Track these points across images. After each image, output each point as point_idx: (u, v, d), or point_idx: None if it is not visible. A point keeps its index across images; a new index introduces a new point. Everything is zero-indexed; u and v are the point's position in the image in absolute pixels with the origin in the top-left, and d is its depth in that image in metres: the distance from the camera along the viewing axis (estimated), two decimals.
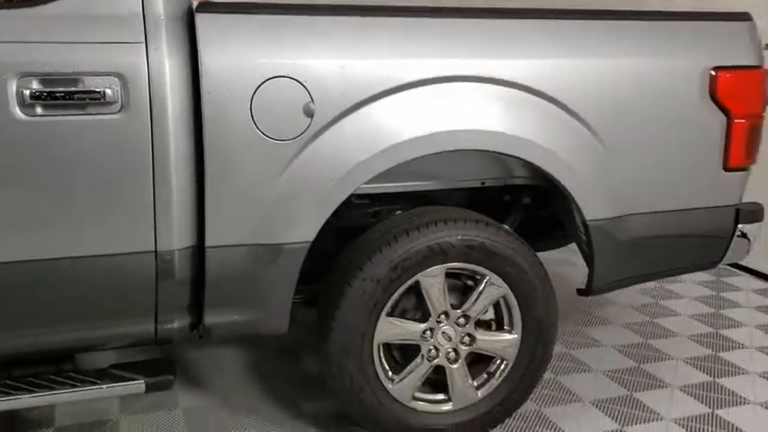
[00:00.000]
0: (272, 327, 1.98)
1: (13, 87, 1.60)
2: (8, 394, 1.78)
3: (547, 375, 2.67)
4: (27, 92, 1.61)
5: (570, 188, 2.13)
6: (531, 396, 2.41)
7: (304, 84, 1.81)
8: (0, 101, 1.59)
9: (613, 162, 2.15)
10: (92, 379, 1.87)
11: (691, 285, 3.68)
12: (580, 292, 2.36)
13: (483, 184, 2.33)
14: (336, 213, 2.03)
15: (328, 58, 1.83)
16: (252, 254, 1.87)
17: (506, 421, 2.34)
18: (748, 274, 3.87)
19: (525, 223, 2.59)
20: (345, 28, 1.87)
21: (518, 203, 2.49)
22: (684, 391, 2.59)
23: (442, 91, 1.94)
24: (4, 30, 1.61)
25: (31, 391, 1.80)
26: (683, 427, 2.36)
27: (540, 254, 2.32)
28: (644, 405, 2.49)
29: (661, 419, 2.40)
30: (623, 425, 2.37)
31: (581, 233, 2.25)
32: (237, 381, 2.58)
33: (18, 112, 1.61)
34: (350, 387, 2.09)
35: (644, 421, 2.39)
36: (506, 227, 2.33)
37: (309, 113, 1.82)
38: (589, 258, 2.26)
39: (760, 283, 3.76)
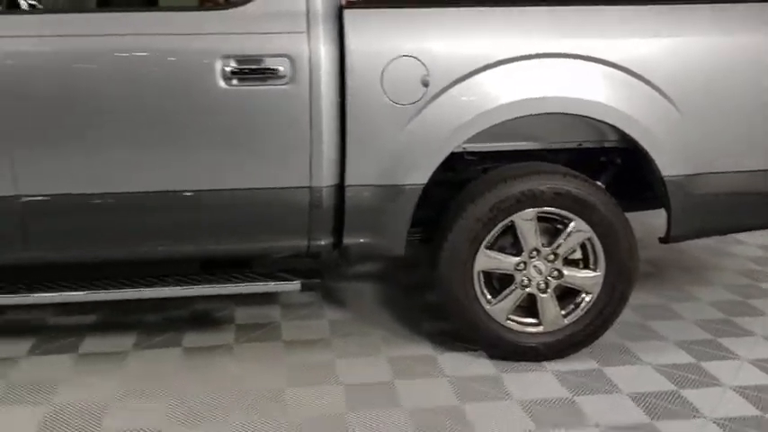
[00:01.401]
0: (392, 249, 2.57)
1: (218, 65, 2.30)
2: (202, 284, 2.54)
3: (635, 319, 3.04)
4: (228, 69, 2.30)
5: (649, 149, 2.53)
6: (614, 329, 2.80)
7: (422, 61, 2.37)
8: (210, 75, 2.30)
9: (688, 127, 2.51)
10: (262, 278, 2.57)
11: None
12: (661, 240, 2.73)
13: (580, 145, 2.76)
14: (452, 168, 2.61)
15: (441, 41, 2.38)
16: (378, 192, 2.47)
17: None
18: None
19: (622, 185, 2.98)
20: (455, 17, 2.40)
21: (611, 164, 2.89)
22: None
23: (533, 66, 2.42)
24: (214, 24, 2.33)
25: (219, 283, 2.54)
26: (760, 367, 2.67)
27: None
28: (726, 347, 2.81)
29: (737, 359, 2.72)
30: (699, 360, 2.71)
31: (661, 188, 2.62)
32: (374, 305, 3.21)
33: (221, 83, 2.31)
34: (456, 306, 2.63)
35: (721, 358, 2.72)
36: (597, 183, 2.75)
37: (425, 84, 2.38)
38: (667, 211, 2.63)
39: None
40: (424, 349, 2.79)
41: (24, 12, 2.56)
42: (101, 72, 2.29)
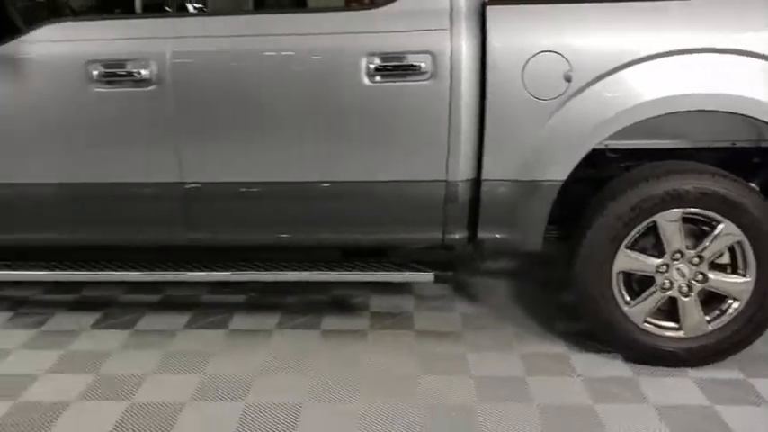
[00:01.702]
0: (528, 245, 2.57)
1: (363, 62, 2.40)
2: (340, 270, 2.68)
3: None
4: (372, 66, 2.40)
5: None
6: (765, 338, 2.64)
7: (565, 56, 2.35)
8: (355, 72, 2.41)
9: None
10: (397, 268, 2.66)
11: None
12: None
13: (734, 144, 2.62)
14: (593, 165, 2.57)
15: (585, 36, 2.34)
16: (516, 187, 2.48)
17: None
18: None
19: None
20: (600, 12, 2.36)
21: (766, 165, 2.71)
22: None
23: (681, 61, 2.32)
24: (360, 23, 2.43)
25: (356, 270, 2.66)
26: None
27: None
28: None
29: None
30: None
31: None
32: (506, 301, 3.22)
33: (365, 80, 2.42)
34: (592, 305, 2.59)
35: None
36: (750, 184, 2.59)
37: (568, 79, 2.35)
38: None
39: None
40: (557, 347, 2.76)
41: (191, 14, 2.80)
42: (257, 70, 2.47)
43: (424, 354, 2.72)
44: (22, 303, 3.23)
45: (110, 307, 3.18)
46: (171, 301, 3.25)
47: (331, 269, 2.68)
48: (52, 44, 2.54)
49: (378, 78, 2.42)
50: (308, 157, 2.53)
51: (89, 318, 3.07)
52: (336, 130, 2.50)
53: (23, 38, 2.54)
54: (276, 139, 2.52)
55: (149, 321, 3.03)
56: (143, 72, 2.47)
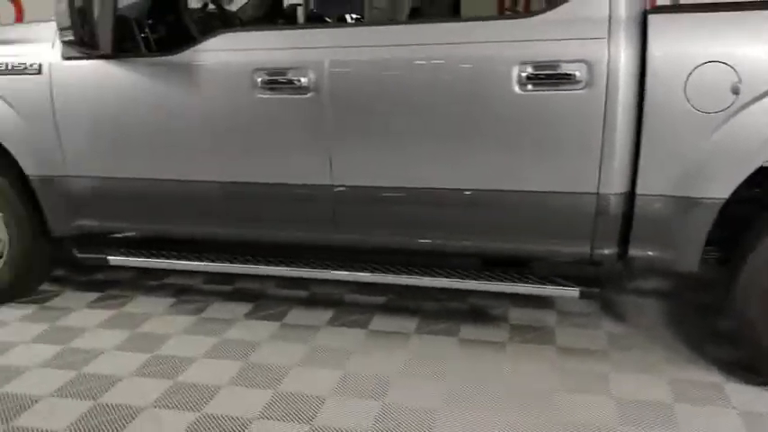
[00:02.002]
0: (684, 265, 2.43)
1: (515, 71, 2.39)
2: (480, 279, 2.67)
3: None
4: (523, 74, 2.38)
5: None
6: None
7: (734, 67, 2.20)
8: (506, 80, 2.40)
9: None
10: (539, 281, 2.61)
11: None
12: None
13: None
14: (758, 184, 2.39)
15: (756, 46, 2.18)
16: (672, 203, 2.35)
17: None
18: None
19: None
20: None
21: None
22: None
23: None
24: (515, 32, 2.42)
25: (497, 281, 2.63)
26: None
27: None
28: None
29: None
30: None
31: None
32: (656, 322, 3.06)
33: (516, 88, 2.40)
34: (752, 333, 2.40)
35: None
36: None
37: (735, 92, 2.21)
38: None
39: None
40: (711, 376, 2.59)
41: (348, 25, 2.92)
42: (409, 78, 2.53)
43: (564, 370, 2.64)
44: (185, 291, 3.50)
45: (261, 299, 3.37)
46: (316, 298, 3.39)
47: (471, 278, 2.68)
48: (223, 53, 2.74)
49: (529, 87, 2.39)
50: (455, 164, 2.55)
51: (243, 308, 3.27)
52: (484, 140, 2.50)
53: (197, 46, 2.76)
54: (423, 147, 2.56)
55: (296, 316, 3.18)
56: (302, 80, 2.60)
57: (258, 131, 2.73)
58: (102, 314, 3.23)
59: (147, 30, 3.12)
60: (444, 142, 2.54)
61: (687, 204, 2.35)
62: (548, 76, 2.37)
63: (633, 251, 2.47)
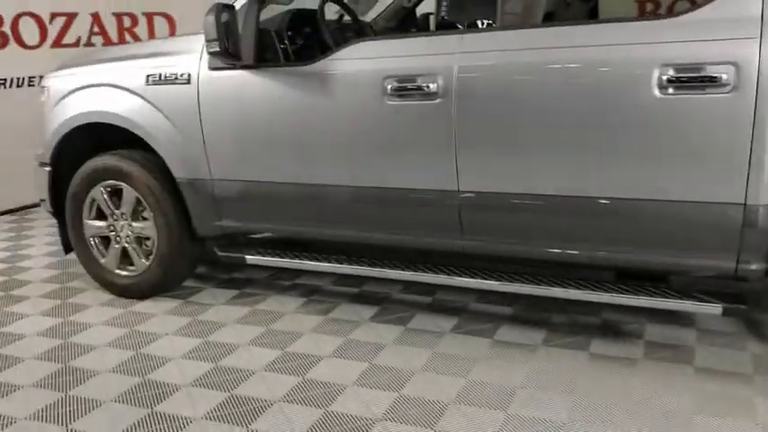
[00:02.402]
0: None
1: (656, 74, 2.28)
2: (613, 292, 2.56)
3: None
4: (664, 77, 2.27)
5: None
6: None
7: None
8: (646, 83, 2.30)
9: None
10: (678, 296, 2.46)
11: None
12: None
13: None
14: None
15: None
16: None
17: None
18: None
19: None
20: None
21: None
22: None
23: None
24: (655, 33, 2.32)
25: (631, 294, 2.51)
26: None
27: None
28: None
29: None
30: None
31: None
32: None
33: (656, 92, 2.29)
34: None
35: None
36: None
37: None
38: None
39: None
40: None
41: (477, 30, 2.90)
42: (541, 83, 2.48)
43: (703, 392, 2.47)
44: (315, 292, 3.62)
45: (386, 303, 3.42)
46: (441, 304, 3.39)
47: (603, 290, 2.58)
48: (355, 61, 2.82)
49: (670, 90, 2.28)
50: (587, 171, 2.46)
51: (369, 311, 3.33)
52: (620, 146, 2.40)
53: (332, 56, 2.86)
54: (554, 153, 2.50)
55: (420, 321, 3.20)
56: (431, 86, 2.62)
57: (387, 137, 2.78)
58: (240, 311, 3.40)
59: (286, 41, 3.27)
60: (578, 149, 2.46)
61: None
62: (691, 80, 2.24)
63: None
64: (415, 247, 2.96)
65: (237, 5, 2.94)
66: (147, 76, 3.24)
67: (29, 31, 5.52)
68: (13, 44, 5.44)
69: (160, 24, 6.38)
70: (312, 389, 2.61)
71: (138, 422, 2.43)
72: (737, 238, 2.30)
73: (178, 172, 3.26)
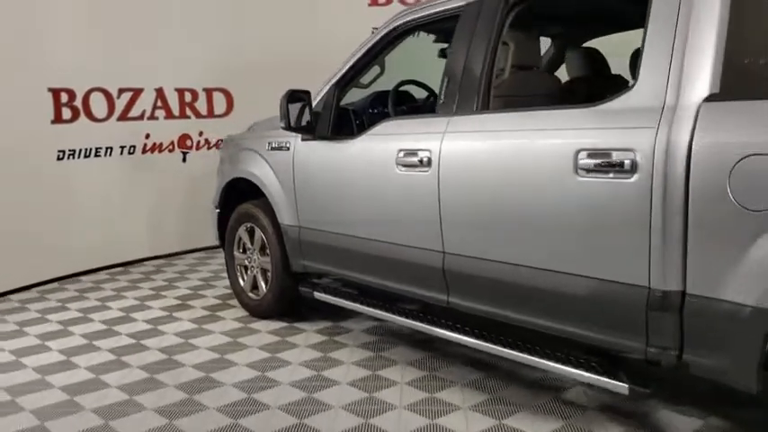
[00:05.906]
0: (739, 382, 2.12)
1: (575, 158, 2.44)
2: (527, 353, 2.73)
3: None
4: (582, 162, 2.42)
5: None
6: None
7: None
8: (567, 167, 2.48)
9: None
10: (592, 368, 2.53)
11: None
12: None
13: None
14: None
15: None
16: (723, 308, 2.11)
17: None
18: None
19: None
20: None
21: None
22: None
23: None
24: (574, 121, 2.51)
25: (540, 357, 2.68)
26: None
27: None
28: None
29: None
30: None
31: None
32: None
33: (575, 175, 2.45)
34: None
35: None
36: None
37: None
38: None
39: None
40: None
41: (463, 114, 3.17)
42: (490, 163, 2.80)
43: None
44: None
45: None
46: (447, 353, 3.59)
47: (521, 350, 2.73)
48: (382, 136, 3.37)
49: (587, 174, 2.44)
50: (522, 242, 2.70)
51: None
52: (546, 220, 2.60)
53: (369, 131, 3.47)
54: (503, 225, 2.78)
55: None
56: (424, 159, 3.05)
57: (396, 203, 3.28)
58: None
59: (364, 117, 3.94)
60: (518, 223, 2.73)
61: (737, 312, 2.07)
62: (601, 165, 2.38)
63: (686, 356, 2.24)
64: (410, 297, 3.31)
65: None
66: (269, 143, 4.17)
67: (98, 104, 5.80)
68: (83, 117, 5.72)
69: (218, 99, 6.65)
70: None
71: None
72: (644, 321, 2.32)
73: (281, 219, 4.10)
